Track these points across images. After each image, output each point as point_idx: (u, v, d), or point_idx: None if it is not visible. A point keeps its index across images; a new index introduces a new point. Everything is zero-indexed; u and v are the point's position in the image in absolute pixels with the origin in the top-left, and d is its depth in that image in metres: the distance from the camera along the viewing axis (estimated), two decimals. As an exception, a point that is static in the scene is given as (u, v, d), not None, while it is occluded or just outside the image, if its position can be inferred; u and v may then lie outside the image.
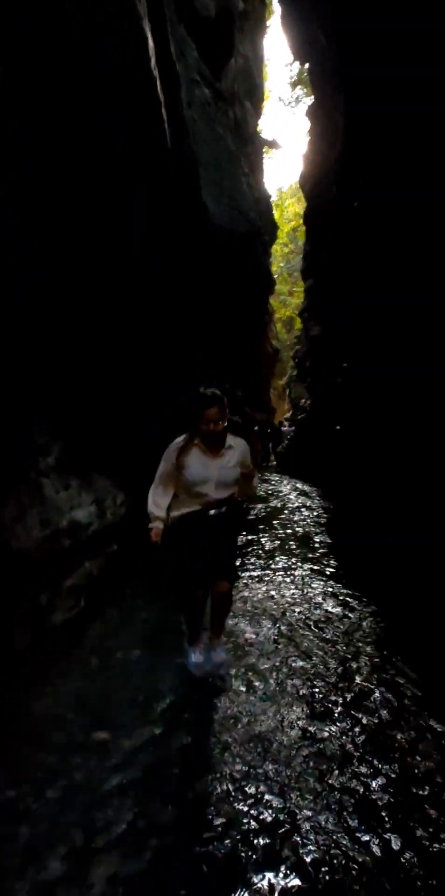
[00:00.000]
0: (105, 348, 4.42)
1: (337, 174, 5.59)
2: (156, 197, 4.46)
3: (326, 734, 2.36)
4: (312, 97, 23.37)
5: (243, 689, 2.76)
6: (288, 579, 4.61)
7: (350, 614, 3.79)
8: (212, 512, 2.63)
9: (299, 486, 11.27)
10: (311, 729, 2.40)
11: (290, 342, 26.40)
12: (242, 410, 11.94)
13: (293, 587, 4.39)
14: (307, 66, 13.54)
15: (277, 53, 54.27)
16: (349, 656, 3.13)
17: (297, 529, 6.63)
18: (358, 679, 2.85)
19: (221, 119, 6.58)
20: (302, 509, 8.17)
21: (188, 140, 4.97)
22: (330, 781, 2.05)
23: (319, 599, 4.09)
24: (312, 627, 3.55)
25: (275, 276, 21.87)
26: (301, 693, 2.71)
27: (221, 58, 11.76)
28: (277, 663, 3.03)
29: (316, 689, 2.74)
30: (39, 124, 3.00)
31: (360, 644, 3.30)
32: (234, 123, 13.73)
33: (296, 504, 8.63)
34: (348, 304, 5.91)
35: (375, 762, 2.17)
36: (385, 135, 4.61)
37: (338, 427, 5.97)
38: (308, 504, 8.84)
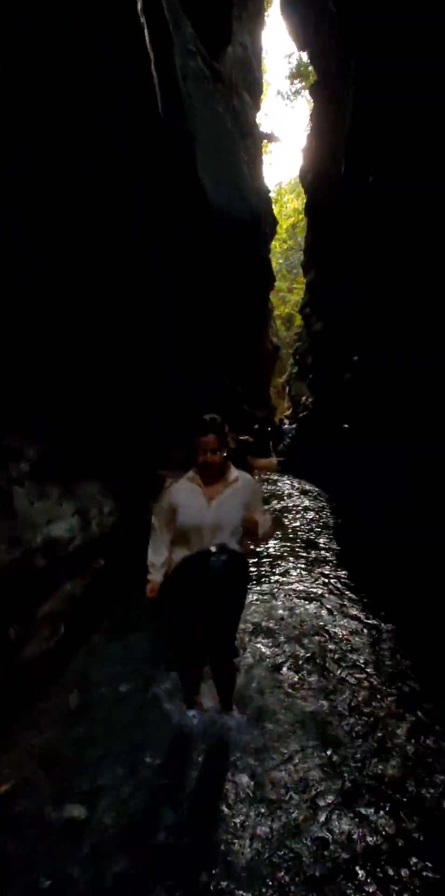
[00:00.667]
0: (99, 342, 4.02)
1: (345, 159, 5.16)
2: (155, 188, 4.07)
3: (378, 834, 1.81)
4: (311, 90, 22.95)
5: (256, 744, 2.32)
6: (299, 590, 4.18)
7: (369, 632, 3.36)
8: (212, 559, 2.09)
9: (301, 485, 10.85)
10: (350, 826, 1.87)
11: (290, 339, 25.97)
12: (242, 408, 11.51)
13: (305, 601, 3.96)
14: (306, 53, 13.10)
15: (275, 47, 53.55)
16: (380, 697, 2.70)
17: (303, 534, 6.20)
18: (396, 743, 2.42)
19: (220, 99, 6.14)
20: (308, 511, 7.74)
21: (183, 114, 4.53)
22: None
23: (335, 616, 3.66)
24: (334, 659, 3.11)
25: (275, 273, 21.44)
26: (334, 761, 2.23)
27: (219, 41, 11.29)
28: (296, 706, 2.60)
29: (351, 758, 2.31)
30: (39, 124, 2.96)
31: (386, 672, 2.87)
32: (233, 112, 13.28)
33: (300, 505, 8.19)
34: (355, 296, 5.48)
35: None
36: (394, 122, 4.17)
37: (346, 425, 5.52)
38: (312, 506, 8.42)
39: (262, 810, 1.90)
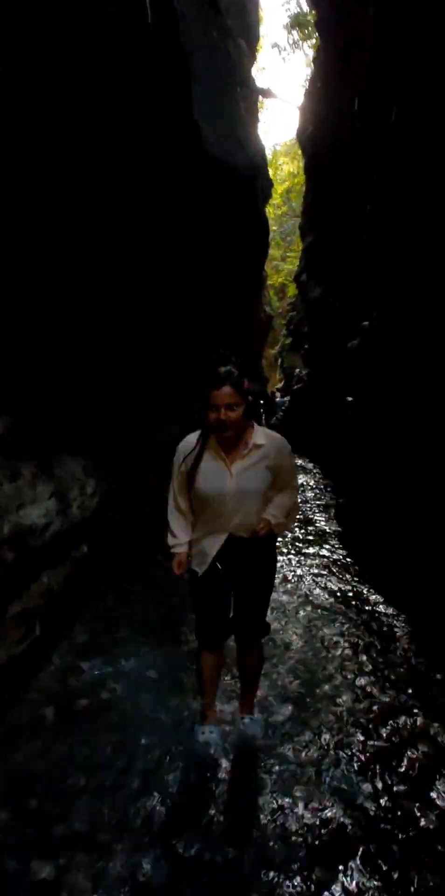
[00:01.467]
0: (85, 300, 3.57)
1: (362, 95, 4.57)
2: (143, 123, 3.57)
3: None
4: (311, 41, 21.63)
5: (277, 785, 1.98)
6: (302, 581, 3.85)
7: (387, 642, 3.04)
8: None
9: (297, 461, 10.53)
10: None
11: (283, 310, 25.24)
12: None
13: (316, 591, 3.63)
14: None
15: (271, -1, 50.17)
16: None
17: (307, 518, 5.87)
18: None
19: (217, 25, 5.44)
20: (306, 492, 7.41)
21: (175, 33, 3.91)
22: None
23: (349, 617, 3.34)
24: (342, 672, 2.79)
25: (269, 240, 20.61)
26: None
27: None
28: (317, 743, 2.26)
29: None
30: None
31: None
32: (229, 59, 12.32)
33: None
34: (366, 258, 4.99)
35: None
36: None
37: (351, 398, 5.12)
38: (311, 484, 8.10)
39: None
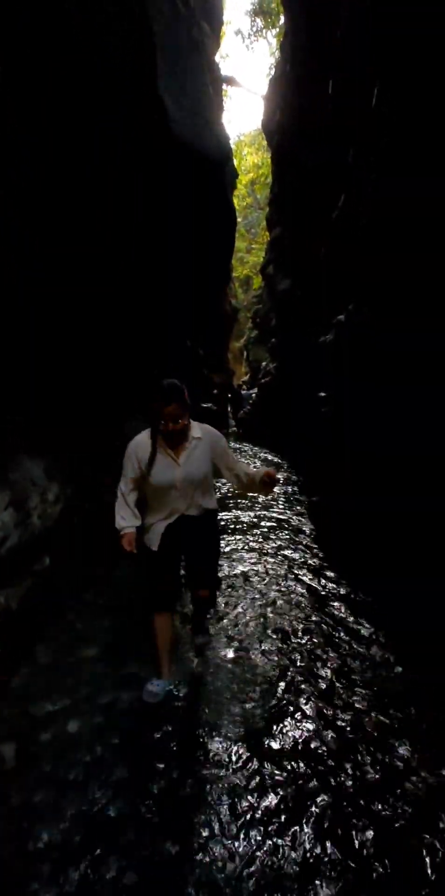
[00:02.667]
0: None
1: (336, 73, 4.41)
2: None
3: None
4: (275, 30, 21.42)
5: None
6: (281, 589, 3.70)
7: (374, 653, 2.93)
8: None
9: (264, 455, 10.42)
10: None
11: (248, 302, 25.12)
12: (202, 372, 10.81)
13: (296, 601, 3.49)
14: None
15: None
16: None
17: (277, 517, 5.74)
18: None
19: (184, 2, 5.11)
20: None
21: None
22: None
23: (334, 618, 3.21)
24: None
25: (234, 230, 20.34)
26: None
27: None
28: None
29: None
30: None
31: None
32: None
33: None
34: (340, 251, 4.88)
35: None
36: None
37: (323, 394, 5.00)
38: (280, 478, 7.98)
39: None
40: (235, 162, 24.04)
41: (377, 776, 1.92)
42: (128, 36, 3.64)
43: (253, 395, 15.18)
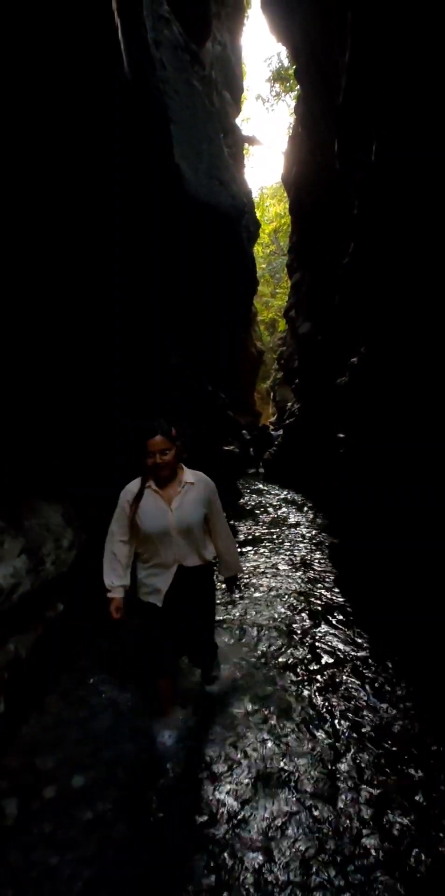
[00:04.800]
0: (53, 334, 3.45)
1: (340, 135, 4.62)
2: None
3: None
4: (293, 93, 22.65)
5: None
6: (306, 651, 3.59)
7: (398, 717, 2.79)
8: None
9: (289, 495, 10.31)
10: None
11: (274, 344, 25.56)
12: (226, 415, 10.94)
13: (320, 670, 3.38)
14: (290, 46, 12.67)
15: (254, 52, 53.25)
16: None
17: (295, 555, 5.63)
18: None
19: (198, 76, 5.58)
20: (299, 527, 7.18)
21: (154, 81, 3.95)
22: None
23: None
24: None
25: (258, 278, 21.00)
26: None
27: (198, 35, 10.78)
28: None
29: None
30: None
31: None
32: (214, 111, 12.76)
33: (291, 521, 7.64)
34: (352, 296, 4.95)
35: None
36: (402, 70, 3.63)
37: (342, 435, 4.98)
38: (302, 521, 7.88)
39: None
40: (258, 213, 25.12)
41: (391, 845, 1.79)
42: (145, 114, 3.75)
43: (280, 435, 15.20)
